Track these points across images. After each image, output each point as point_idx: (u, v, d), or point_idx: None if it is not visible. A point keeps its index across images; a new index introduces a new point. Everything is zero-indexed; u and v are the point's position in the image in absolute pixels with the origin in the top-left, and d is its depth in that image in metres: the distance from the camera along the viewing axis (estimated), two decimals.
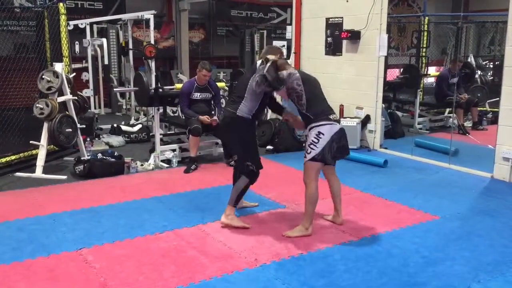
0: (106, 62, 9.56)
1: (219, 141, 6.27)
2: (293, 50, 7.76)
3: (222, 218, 3.95)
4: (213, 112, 6.15)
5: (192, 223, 4.01)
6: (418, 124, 8.26)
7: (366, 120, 6.80)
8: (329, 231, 3.86)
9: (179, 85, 6.60)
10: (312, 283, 3.03)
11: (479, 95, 8.63)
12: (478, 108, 8.27)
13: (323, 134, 3.57)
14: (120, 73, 10.49)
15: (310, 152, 3.61)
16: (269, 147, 6.82)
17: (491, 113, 8.36)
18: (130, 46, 8.94)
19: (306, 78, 3.73)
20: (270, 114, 7.60)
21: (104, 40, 9.38)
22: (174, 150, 6.09)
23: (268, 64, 3.67)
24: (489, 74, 10.20)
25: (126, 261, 3.32)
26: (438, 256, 3.41)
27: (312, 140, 3.60)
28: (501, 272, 3.17)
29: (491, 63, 10.60)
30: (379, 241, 3.66)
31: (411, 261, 3.34)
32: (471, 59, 9.78)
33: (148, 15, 7.96)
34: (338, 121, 3.71)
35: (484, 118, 8.36)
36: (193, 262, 3.32)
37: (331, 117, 3.63)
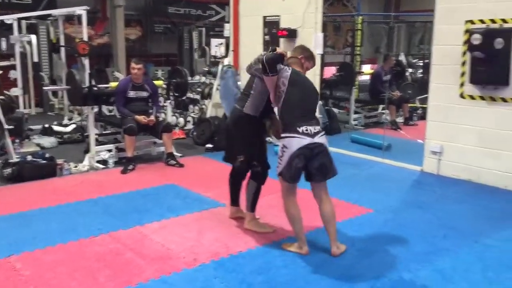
0: (36, 59, 9.12)
1: (157, 140, 6.16)
2: (231, 48, 7.75)
3: (244, 224, 3.86)
4: (150, 111, 6.02)
5: (129, 225, 3.92)
6: (354, 120, 8.52)
7: None
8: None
9: (114, 83, 6.42)
10: (251, 280, 3.05)
11: (410, 92, 9.00)
12: (409, 105, 8.64)
13: (286, 148, 3.25)
14: (52, 71, 10.05)
15: (278, 166, 3.34)
16: (208, 145, 6.78)
17: (421, 109, 8.74)
18: (62, 43, 8.59)
19: (296, 80, 3.37)
20: (209, 112, 7.56)
21: (34, 37, 8.94)
22: (110, 150, 5.91)
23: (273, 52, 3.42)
24: (419, 71, 10.68)
25: (58, 267, 3.18)
26: (372, 248, 3.53)
27: (279, 154, 3.32)
28: (430, 261, 3.32)
29: (421, 61, 11.09)
30: (316, 236, 3.72)
31: (347, 254, 3.43)
32: (402, 57, 10.20)
33: (81, 11, 7.67)
34: (313, 135, 3.24)
35: (415, 114, 8.75)
36: (129, 265, 3.24)
37: (300, 129, 3.22)
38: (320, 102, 7.14)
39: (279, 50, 3.54)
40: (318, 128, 3.30)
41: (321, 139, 3.29)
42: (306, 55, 3.65)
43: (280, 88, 3.38)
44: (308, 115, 3.33)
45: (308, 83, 3.50)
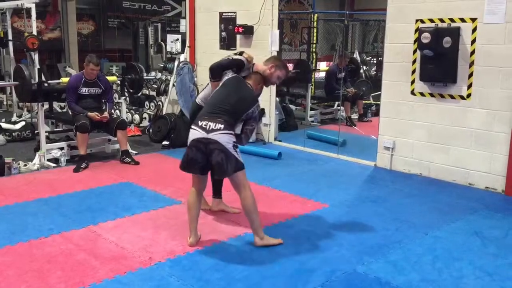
0: None
1: (111, 137, 6.03)
2: (187, 44, 7.68)
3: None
4: (103, 108, 5.89)
5: (82, 225, 3.82)
6: (310, 117, 8.62)
7: (261, 113, 6.92)
8: (225, 225, 3.88)
9: (66, 79, 6.23)
10: (207, 278, 3.03)
11: (364, 89, 9.20)
12: (363, 101, 8.83)
13: (188, 138, 3.38)
14: (0, 66, 9.66)
15: None
16: (165, 142, 6.70)
17: (374, 105, 8.96)
18: (10, 37, 8.26)
19: (227, 84, 3.52)
20: (166, 109, 7.47)
21: None
22: (62, 148, 5.74)
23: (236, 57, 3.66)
24: (372, 69, 10.93)
25: (6, 270, 3.06)
26: (327, 243, 3.58)
27: None
28: (383, 254, 3.41)
29: (375, 59, 11.35)
30: (273, 231, 3.73)
31: (302, 248, 3.47)
32: (356, 55, 10.40)
33: (29, 4, 7.39)
34: (209, 130, 3.25)
35: (369, 111, 8.95)
36: (82, 265, 3.16)
37: (200, 123, 3.30)
38: (277, 99, 7.19)
39: (245, 55, 3.70)
40: (220, 126, 3.26)
41: (217, 136, 3.24)
42: (277, 63, 3.75)
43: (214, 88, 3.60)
44: (218, 114, 3.33)
45: (241, 90, 3.52)
